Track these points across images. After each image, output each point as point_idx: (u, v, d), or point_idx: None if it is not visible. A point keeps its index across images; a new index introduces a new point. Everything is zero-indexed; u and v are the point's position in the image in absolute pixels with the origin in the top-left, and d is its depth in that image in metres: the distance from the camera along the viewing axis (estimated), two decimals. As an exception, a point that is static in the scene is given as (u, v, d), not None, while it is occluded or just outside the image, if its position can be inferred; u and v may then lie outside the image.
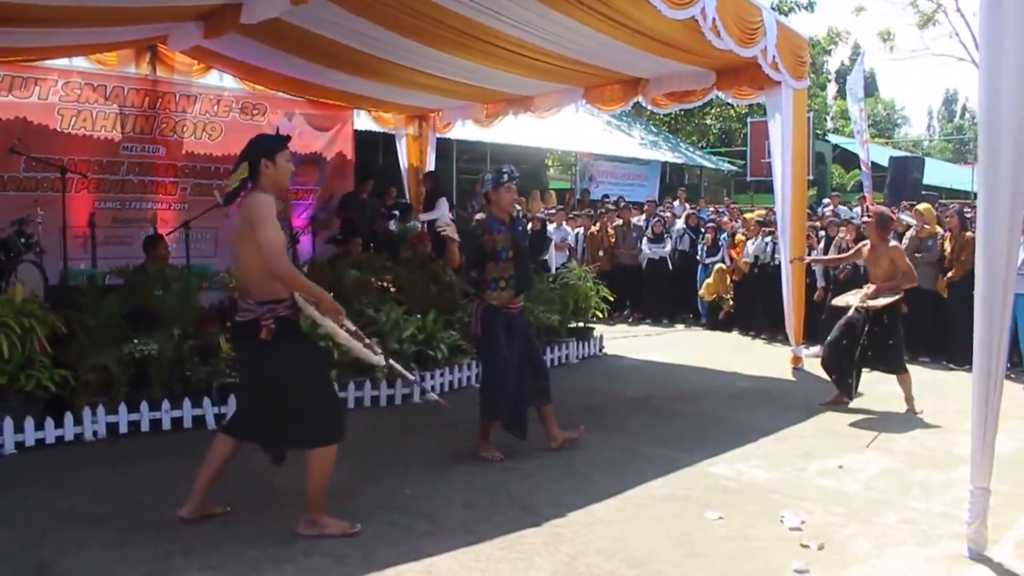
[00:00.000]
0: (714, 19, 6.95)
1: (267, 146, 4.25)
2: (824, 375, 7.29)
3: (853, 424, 6.62)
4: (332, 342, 4.72)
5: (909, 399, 7.08)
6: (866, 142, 20.54)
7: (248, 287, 4.14)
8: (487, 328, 5.52)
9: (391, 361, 4.82)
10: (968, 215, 9.66)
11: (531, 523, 4.35)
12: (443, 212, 11.53)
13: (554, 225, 12.99)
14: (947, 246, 9.06)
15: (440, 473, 5.16)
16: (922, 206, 9.94)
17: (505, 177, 5.55)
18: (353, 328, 4.45)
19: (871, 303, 6.92)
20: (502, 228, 5.55)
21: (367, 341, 4.54)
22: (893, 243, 7.39)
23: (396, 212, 11.75)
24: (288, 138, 4.39)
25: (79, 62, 9.10)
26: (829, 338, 7.15)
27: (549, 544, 4.08)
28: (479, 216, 5.53)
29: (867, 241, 7.33)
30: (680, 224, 12.87)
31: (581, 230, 13.39)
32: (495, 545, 4.05)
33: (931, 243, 9.23)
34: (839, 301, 7.35)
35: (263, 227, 3.95)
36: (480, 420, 5.64)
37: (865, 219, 11.49)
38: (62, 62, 8.95)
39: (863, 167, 20.71)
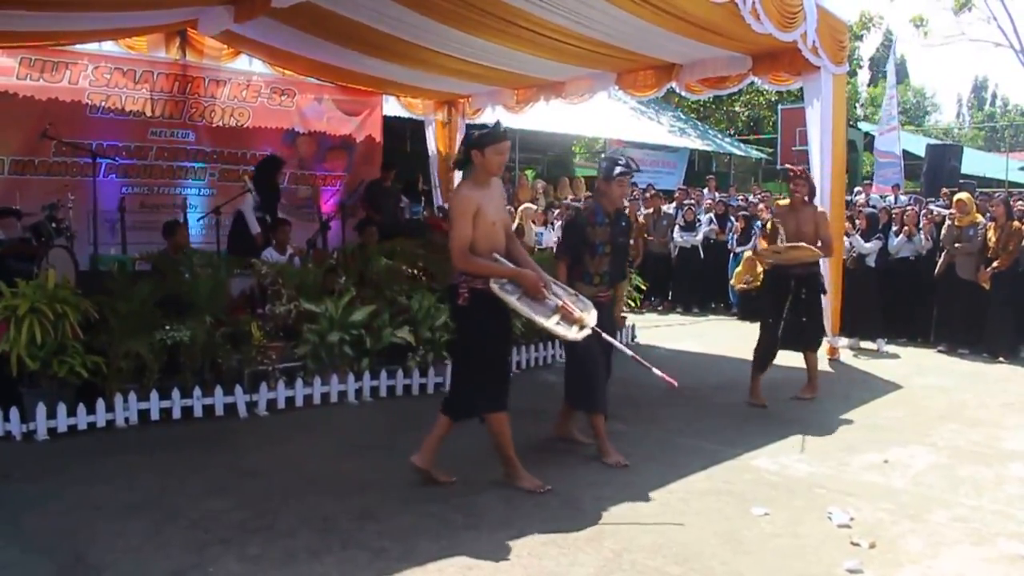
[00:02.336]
0: (754, 2, 6.79)
1: (477, 139, 4.51)
2: (857, 366, 7.13)
3: (894, 417, 6.46)
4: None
5: (809, 382, 6.95)
6: (893, 129, 20.32)
7: (454, 260, 4.49)
8: None
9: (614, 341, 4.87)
10: (1014, 204, 9.45)
11: (573, 517, 4.24)
12: None
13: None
14: (991, 235, 8.84)
15: (475, 464, 5.05)
16: (962, 195, 9.71)
17: (618, 170, 5.24)
18: (560, 302, 4.53)
19: (792, 255, 6.59)
20: (606, 221, 5.33)
21: (577, 314, 4.54)
22: (821, 208, 7.11)
23: (405, 198, 11.63)
24: (501, 133, 4.54)
25: (109, 46, 9.08)
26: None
27: (592, 539, 3.97)
28: (586, 204, 5.33)
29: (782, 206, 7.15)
30: (705, 216, 12.69)
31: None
32: (537, 539, 3.95)
33: (972, 232, 9.02)
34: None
35: (455, 222, 4.44)
36: (581, 414, 5.41)
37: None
38: (92, 47, 8.94)
39: (877, 155, 20.51)
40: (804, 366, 6.99)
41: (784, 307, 6.73)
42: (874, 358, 8.69)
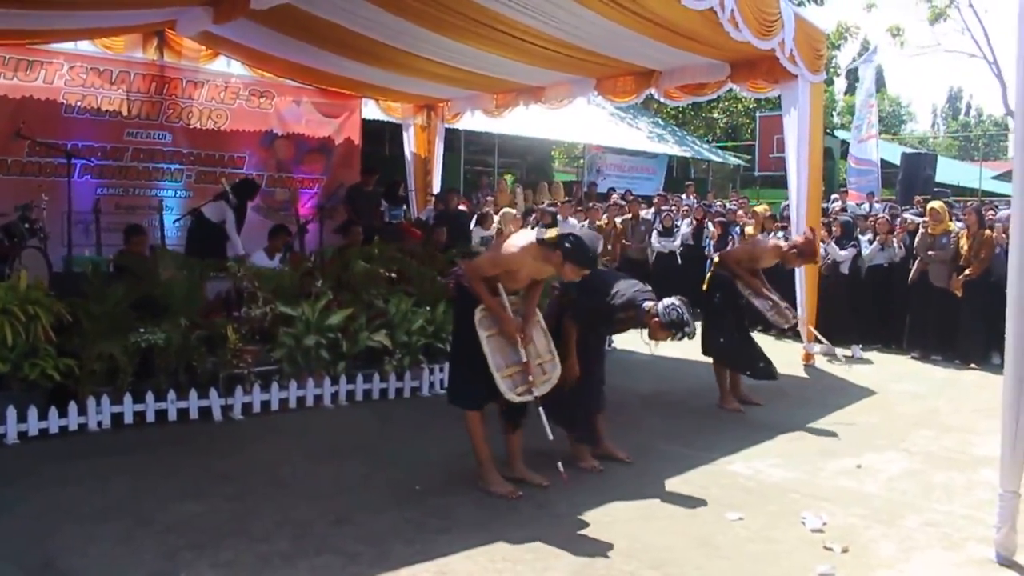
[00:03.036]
0: (732, 10, 6.84)
1: (574, 253, 4.43)
2: (832, 371, 7.19)
3: (868, 422, 6.51)
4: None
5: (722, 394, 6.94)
6: (871, 137, 20.50)
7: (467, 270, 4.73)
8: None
9: None
10: (986, 212, 9.57)
11: (547, 522, 4.24)
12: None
13: (560, 218, 12.84)
14: (963, 243, 8.94)
15: (450, 468, 5.05)
16: (936, 203, 9.83)
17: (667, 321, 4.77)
18: (526, 360, 4.61)
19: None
20: None
21: (533, 379, 4.62)
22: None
23: (385, 202, 11.61)
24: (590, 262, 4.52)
25: (85, 46, 9.00)
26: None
27: (567, 544, 3.97)
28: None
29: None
30: (683, 222, 12.75)
31: (587, 222, 13.28)
32: (511, 544, 3.94)
33: (945, 240, 9.13)
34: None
35: (495, 252, 4.77)
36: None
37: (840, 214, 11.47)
38: (68, 46, 8.86)
39: (852, 162, 20.69)
40: (781, 371, 7.04)
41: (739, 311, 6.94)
42: (849, 364, 8.75)
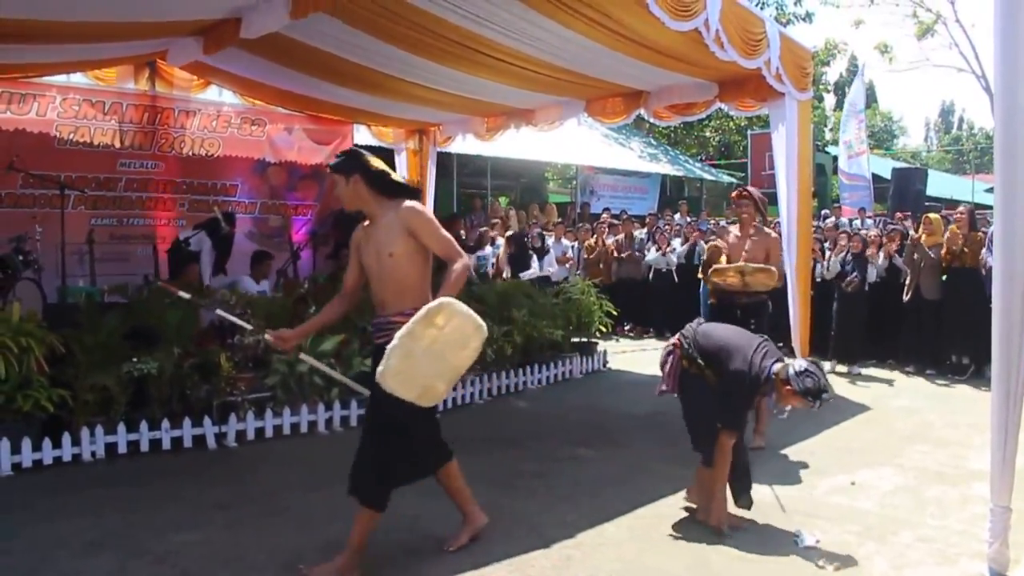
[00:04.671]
0: (717, 30, 6.88)
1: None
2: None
3: (863, 438, 6.52)
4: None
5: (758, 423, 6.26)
6: (863, 152, 20.63)
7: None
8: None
9: None
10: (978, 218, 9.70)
11: (539, 545, 4.24)
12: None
13: (553, 239, 12.89)
14: (956, 242, 9.07)
15: (442, 493, 5.01)
16: (934, 215, 9.94)
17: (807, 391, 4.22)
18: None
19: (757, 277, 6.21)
20: None
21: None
22: (774, 234, 6.79)
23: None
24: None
25: (77, 78, 9.03)
26: None
27: (559, 567, 3.97)
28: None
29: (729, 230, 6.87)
30: (677, 241, 12.79)
31: (576, 243, 13.36)
32: (503, 568, 3.95)
33: (934, 253, 9.20)
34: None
35: (447, 238, 3.97)
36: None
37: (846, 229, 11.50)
38: (60, 78, 8.89)
39: (843, 178, 20.79)
40: None
41: None
42: (845, 380, 8.75)
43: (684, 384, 4.60)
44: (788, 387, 4.19)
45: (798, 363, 4.25)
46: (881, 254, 9.85)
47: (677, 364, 4.62)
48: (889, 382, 8.94)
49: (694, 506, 4.76)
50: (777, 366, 4.26)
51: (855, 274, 9.49)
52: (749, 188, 7.05)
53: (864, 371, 9.43)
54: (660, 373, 4.72)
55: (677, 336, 4.70)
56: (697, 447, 4.64)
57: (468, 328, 3.59)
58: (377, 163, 4.02)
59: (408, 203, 3.89)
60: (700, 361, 4.50)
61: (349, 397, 6.77)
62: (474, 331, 3.61)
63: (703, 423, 4.55)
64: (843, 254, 9.80)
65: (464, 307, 3.58)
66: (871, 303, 9.73)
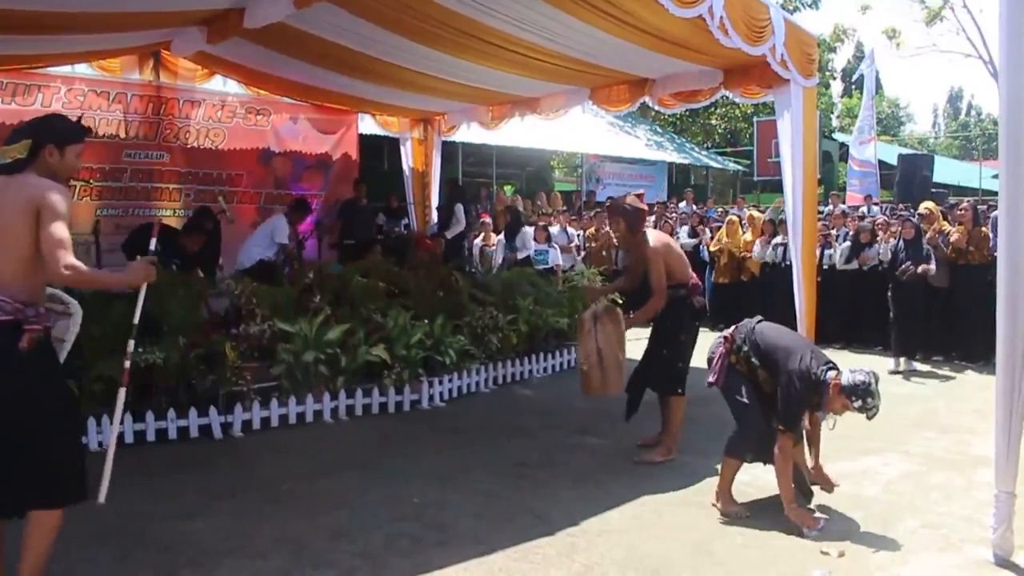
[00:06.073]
0: (722, 17, 6.84)
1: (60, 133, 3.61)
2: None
3: (869, 425, 6.48)
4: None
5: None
6: (872, 139, 20.57)
7: None
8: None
9: None
10: (981, 210, 9.62)
11: (544, 532, 4.25)
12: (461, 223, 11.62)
13: (557, 227, 12.85)
14: (956, 237, 8.98)
15: (448, 481, 5.06)
16: (928, 204, 9.90)
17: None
18: None
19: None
20: None
21: None
22: (652, 244, 6.23)
23: (384, 215, 11.72)
24: (86, 131, 3.74)
25: (82, 68, 9.04)
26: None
27: (563, 554, 3.98)
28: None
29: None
30: (682, 229, 12.78)
31: (582, 231, 13.34)
32: (508, 556, 3.96)
33: (941, 239, 9.15)
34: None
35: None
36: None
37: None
38: (65, 69, 8.90)
39: (854, 164, 20.74)
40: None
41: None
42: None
43: (729, 381, 4.67)
44: (841, 394, 4.17)
45: (856, 373, 4.20)
46: (881, 240, 9.82)
47: (725, 358, 4.68)
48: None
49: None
50: (832, 372, 4.27)
51: (909, 263, 9.25)
52: (612, 201, 6.69)
53: (870, 357, 9.38)
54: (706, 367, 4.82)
55: (730, 330, 4.76)
56: (741, 441, 4.67)
57: None
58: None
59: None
60: (755, 360, 4.54)
61: (355, 386, 6.78)
62: None
63: (746, 418, 4.62)
64: (896, 241, 9.59)
65: None
66: (873, 290, 9.66)
